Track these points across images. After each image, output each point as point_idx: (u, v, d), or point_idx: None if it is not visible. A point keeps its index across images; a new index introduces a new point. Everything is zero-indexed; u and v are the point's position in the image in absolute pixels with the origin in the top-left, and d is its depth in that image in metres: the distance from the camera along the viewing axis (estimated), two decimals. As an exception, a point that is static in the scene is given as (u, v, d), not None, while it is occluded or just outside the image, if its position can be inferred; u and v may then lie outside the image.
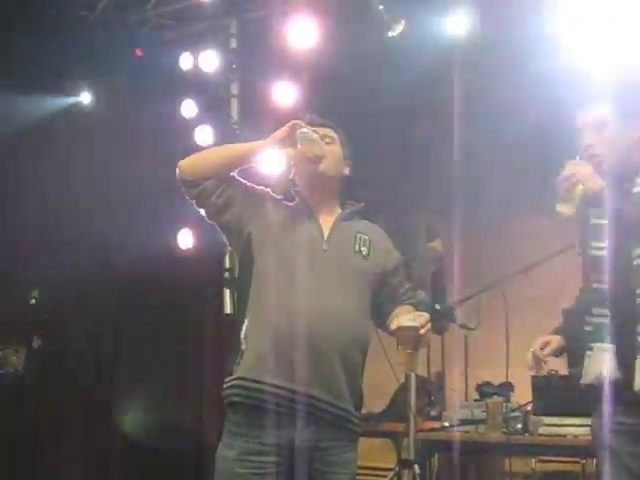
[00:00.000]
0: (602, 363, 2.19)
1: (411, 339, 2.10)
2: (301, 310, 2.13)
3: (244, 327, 2.24)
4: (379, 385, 4.45)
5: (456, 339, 4.21)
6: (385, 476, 4.48)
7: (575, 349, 2.35)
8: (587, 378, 2.24)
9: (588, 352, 2.23)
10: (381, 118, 4.79)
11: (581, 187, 2.21)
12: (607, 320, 2.21)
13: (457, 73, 4.30)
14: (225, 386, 2.22)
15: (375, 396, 4.41)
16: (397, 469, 3.83)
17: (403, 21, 4.35)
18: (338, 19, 4.53)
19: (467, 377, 4.15)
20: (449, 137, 4.34)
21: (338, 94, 4.56)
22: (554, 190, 2.27)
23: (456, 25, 4.26)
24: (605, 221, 2.30)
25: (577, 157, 2.29)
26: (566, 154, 2.33)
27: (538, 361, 2.42)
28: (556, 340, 2.43)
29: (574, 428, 3.21)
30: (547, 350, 2.40)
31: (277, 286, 2.19)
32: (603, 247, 2.27)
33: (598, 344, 2.21)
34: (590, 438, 2.41)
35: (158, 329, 5.13)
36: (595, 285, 2.26)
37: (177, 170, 2.32)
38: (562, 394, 3.35)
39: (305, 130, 2.23)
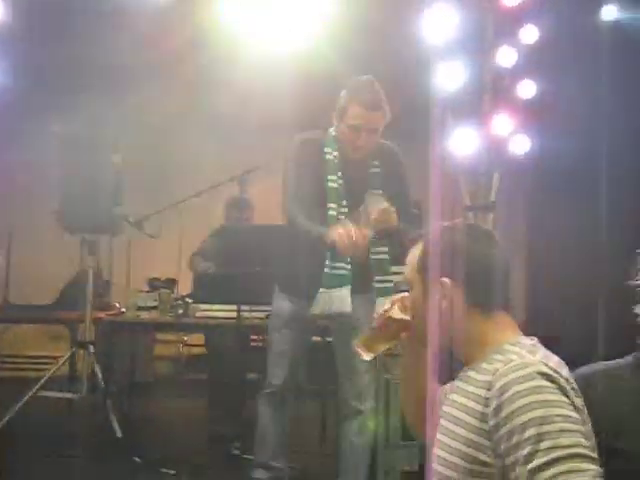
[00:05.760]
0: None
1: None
2: None
3: None
4: (49, 277, 5.17)
5: (130, 244, 4.94)
6: (57, 362, 4.81)
7: None
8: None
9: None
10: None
11: None
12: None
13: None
14: None
15: (45, 287, 5.14)
16: (73, 350, 4.42)
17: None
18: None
19: (130, 275, 4.97)
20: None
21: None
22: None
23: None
24: None
25: None
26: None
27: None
28: None
29: (222, 312, 4.11)
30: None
31: None
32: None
33: None
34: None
35: None
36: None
37: None
38: (213, 288, 4.30)
39: None
